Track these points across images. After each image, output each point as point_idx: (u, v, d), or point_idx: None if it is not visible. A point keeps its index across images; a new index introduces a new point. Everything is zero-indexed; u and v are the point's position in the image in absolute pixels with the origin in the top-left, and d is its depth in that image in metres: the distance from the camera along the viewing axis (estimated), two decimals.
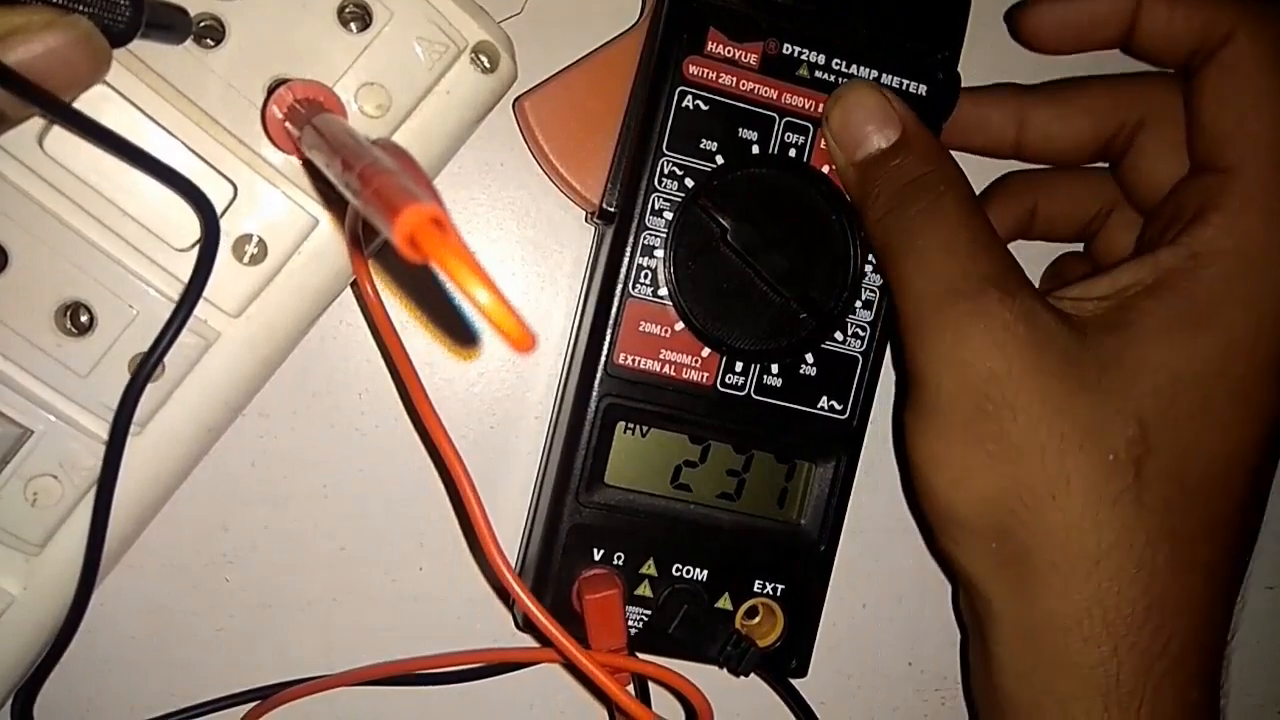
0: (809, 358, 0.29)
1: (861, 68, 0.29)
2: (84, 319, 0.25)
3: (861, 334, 0.30)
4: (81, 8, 0.22)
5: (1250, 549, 0.27)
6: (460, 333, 0.32)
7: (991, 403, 0.26)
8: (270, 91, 0.25)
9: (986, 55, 0.32)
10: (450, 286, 0.29)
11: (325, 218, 0.27)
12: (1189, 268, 0.26)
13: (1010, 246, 0.28)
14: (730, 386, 0.29)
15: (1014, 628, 0.27)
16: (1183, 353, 0.26)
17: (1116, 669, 0.25)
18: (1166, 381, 0.26)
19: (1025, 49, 0.31)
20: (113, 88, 0.24)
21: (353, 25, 0.26)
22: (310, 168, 0.26)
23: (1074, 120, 0.30)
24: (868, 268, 0.29)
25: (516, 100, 0.29)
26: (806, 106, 0.29)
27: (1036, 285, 0.27)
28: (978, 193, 0.30)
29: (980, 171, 0.33)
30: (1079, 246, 0.34)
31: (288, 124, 0.24)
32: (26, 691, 0.27)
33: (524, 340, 0.15)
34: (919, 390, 0.27)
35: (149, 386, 0.25)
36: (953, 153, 0.30)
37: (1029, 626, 0.26)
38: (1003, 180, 0.33)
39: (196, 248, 0.25)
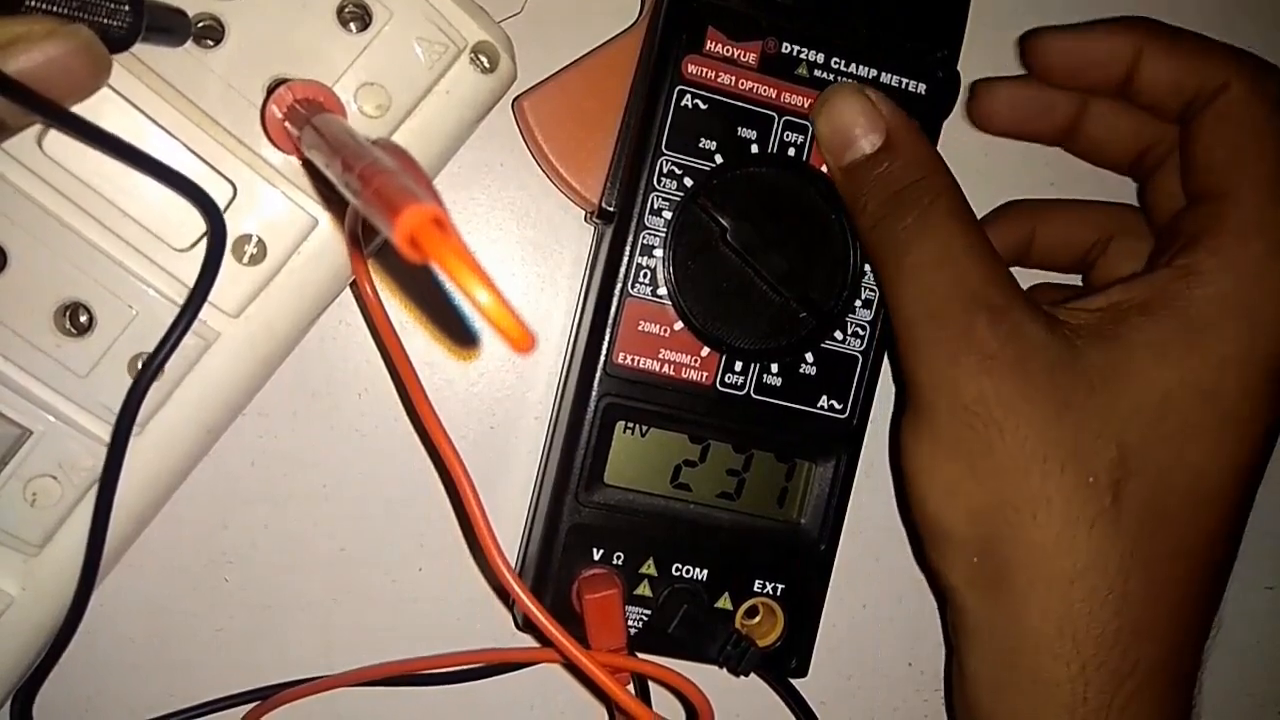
0: (809, 357, 0.29)
1: (860, 66, 0.29)
2: (83, 319, 0.25)
3: (861, 333, 0.30)
4: (82, 15, 0.22)
5: (1229, 569, 0.28)
6: (460, 333, 0.32)
7: (980, 422, 0.26)
8: (270, 91, 0.25)
9: (986, 54, 0.32)
10: (450, 287, 0.29)
11: (325, 218, 0.27)
12: (1182, 286, 0.26)
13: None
14: (730, 386, 0.29)
15: (988, 641, 0.27)
16: (1172, 371, 0.26)
17: (1084, 687, 0.26)
18: (1153, 401, 0.26)
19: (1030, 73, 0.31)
20: (112, 89, 0.24)
21: (352, 25, 0.26)
22: (310, 168, 0.26)
23: (1133, 118, 0.31)
24: (867, 267, 0.29)
25: (515, 100, 0.29)
26: (805, 105, 0.29)
27: None
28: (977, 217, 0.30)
29: (983, 183, 0.33)
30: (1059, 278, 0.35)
31: (287, 124, 0.24)
32: (26, 692, 0.27)
33: (524, 341, 0.15)
34: (912, 401, 0.28)
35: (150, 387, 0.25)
36: (1007, 138, 0.32)
37: (1003, 640, 0.27)
38: (1004, 207, 0.34)
39: (196, 248, 0.26)
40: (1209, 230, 0.27)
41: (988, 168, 0.34)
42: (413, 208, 0.15)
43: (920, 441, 0.27)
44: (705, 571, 0.29)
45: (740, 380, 0.29)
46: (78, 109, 0.23)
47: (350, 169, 0.18)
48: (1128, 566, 0.26)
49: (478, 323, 0.31)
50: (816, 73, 0.29)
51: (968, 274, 0.26)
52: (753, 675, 0.30)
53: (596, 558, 0.29)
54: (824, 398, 0.30)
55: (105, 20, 0.22)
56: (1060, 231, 0.33)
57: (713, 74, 0.28)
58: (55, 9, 0.21)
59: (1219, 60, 0.28)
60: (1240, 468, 0.27)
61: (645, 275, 0.28)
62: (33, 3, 0.21)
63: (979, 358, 0.26)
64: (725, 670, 0.30)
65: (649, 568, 0.29)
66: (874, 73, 0.29)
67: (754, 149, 0.28)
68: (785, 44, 0.28)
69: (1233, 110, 0.27)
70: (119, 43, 0.22)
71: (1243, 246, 0.26)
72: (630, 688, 0.28)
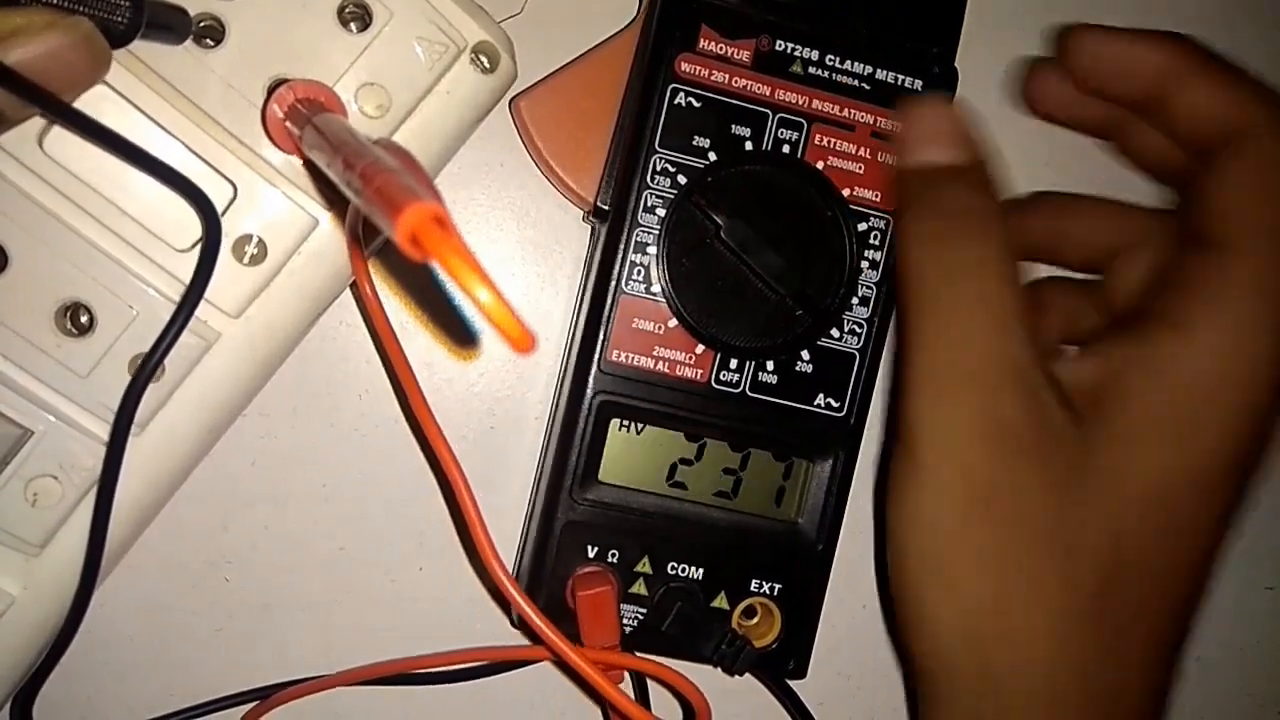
0: (805, 355, 0.29)
1: (855, 63, 0.29)
2: (84, 319, 0.25)
3: (858, 330, 0.30)
4: (82, 9, 0.22)
5: (1189, 635, 0.27)
6: (460, 333, 0.32)
7: (992, 507, 0.25)
8: (270, 91, 0.25)
9: (983, 50, 0.32)
10: (450, 286, 0.29)
11: (325, 218, 0.27)
12: (1180, 348, 0.25)
13: None
14: (725, 384, 0.29)
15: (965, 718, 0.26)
16: (1170, 455, 0.25)
17: None
18: (1150, 488, 0.25)
19: (1067, 73, 0.29)
20: (112, 88, 0.25)
21: (352, 25, 0.26)
22: (311, 167, 0.26)
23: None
24: (864, 264, 0.29)
25: (512, 100, 0.29)
26: (799, 103, 0.29)
27: None
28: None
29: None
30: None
31: (288, 123, 0.24)
32: (26, 692, 0.27)
33: (524, 340, 0.15)
34: (917, 462, 0.26)
35: (149, 387, 0.25)
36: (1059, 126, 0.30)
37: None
38: (1031, 200, 0.32)
39: (197, 248, 0.26)
40: (1210, 282, 0.25)
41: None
42: (414, 206, 0.15)
43: (921, 512, 0.26)
44: (701, 570, 0.29)
45: (735, 378, 0.29)
46: (77, 105, 0.23)
47: (352, 168, 0.18)
48: (1109, 649, 0.25)
49: (478, 322, 0.31)
50: (810, 70, 0.29)
51: (1009, 335, 0.25)
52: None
53: (591, 555, 0.29)
54: (821, 396, 0.30)
55: (105, 15, 0.22)
56: (1085, 230, 0.31)
57: (706, 72, 0.28)
58: (56, 1, 0.22)
59: (1254, 102, 0.26)
60: (1210, 555, 0.26)
61: (639, 273, 0.28)
62: None
63: (1006, 438, 0.25)
64: (720, 670, 0.30)
65: (644, 566, 0.29)
66: (869, 69, 0.29)
67: (748, 146, 0.28)
68: (779, 41, 0.28)
69: (1256, 156, 0.26)
70: (119, 38, 0.23)
71: (1241, 306, 0.25)
72: (629, 689, 0.28)
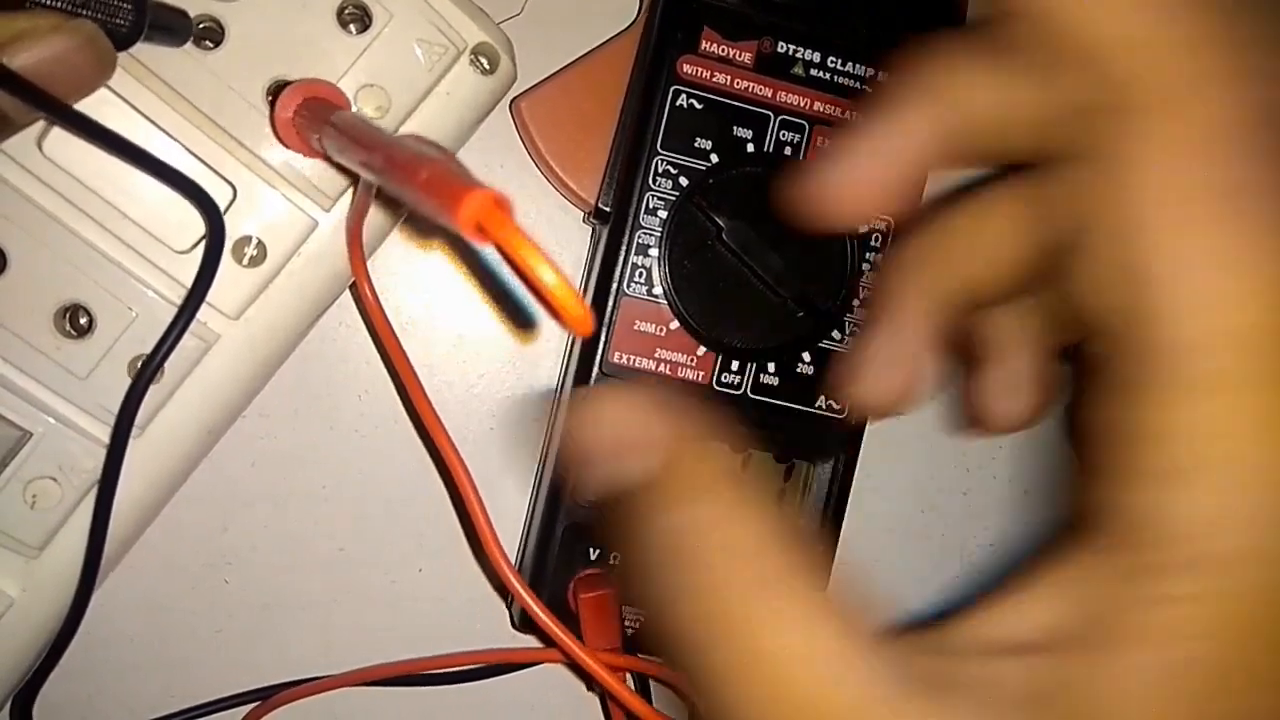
0: (806, 356, 0.29)
1: (856, 65, 0.29)
2: (83, 321, 0.25)
3: (859, 332, 0.30)
4: (86, 12, 0.22)
5: None
6: (515, 316, 0.31)
7: None
8: (271, 93, 0.25)
9: None
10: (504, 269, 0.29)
11: (325, 219, 0.27)
12: (1162, 617, 0.13)
13: None
14: (726, 385, 0.29)
15: None
16: None
17: None
18: None
19: None
20: (112, 90, 0.25)
21: (352, 27, 0.26)
22: (333, 164, 0.26)
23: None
24: (864, 266, 0.29)
25: (513, 101, 0.29)
26: (801, 105, 0.29)
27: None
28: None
29: None
30: None
31: (297, 121, 0.24)
32: (26, 692, 0.27)
33: (585, 321, 0.15)
34: None
35: (149, 389, 0.25)
36: None
37: None
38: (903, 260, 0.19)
39: (196, 250, 0.26)
40: (1194, 469, 0.13)
41: None
42: (474, 193, 0.15)
43: None
44: None
45: (737, 380, 0.29)
46: (79, 108, 0.23)
47: (393, 162, 0.18)
48: None
49: (534, 305, 0.30)
50: (812, 72, 0.29)
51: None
52: None
53: (593, 557, 0.29)
54: (822, 398, 0.30)
55: (109, 18, 0.22)
56: (988, 256, 0.18)
57: (708, 74, 0.28)
58: (59, 5, 0.21)
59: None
60: None
61: (641, 275, 0.28)
62: None
63: None
64: None
65: None
66: (870, 71, 0.29)
67: (749, 148, 0.28)
68: (780, 43, 0.28)
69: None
70: (122, 41, 0.22)
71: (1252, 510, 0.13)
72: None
